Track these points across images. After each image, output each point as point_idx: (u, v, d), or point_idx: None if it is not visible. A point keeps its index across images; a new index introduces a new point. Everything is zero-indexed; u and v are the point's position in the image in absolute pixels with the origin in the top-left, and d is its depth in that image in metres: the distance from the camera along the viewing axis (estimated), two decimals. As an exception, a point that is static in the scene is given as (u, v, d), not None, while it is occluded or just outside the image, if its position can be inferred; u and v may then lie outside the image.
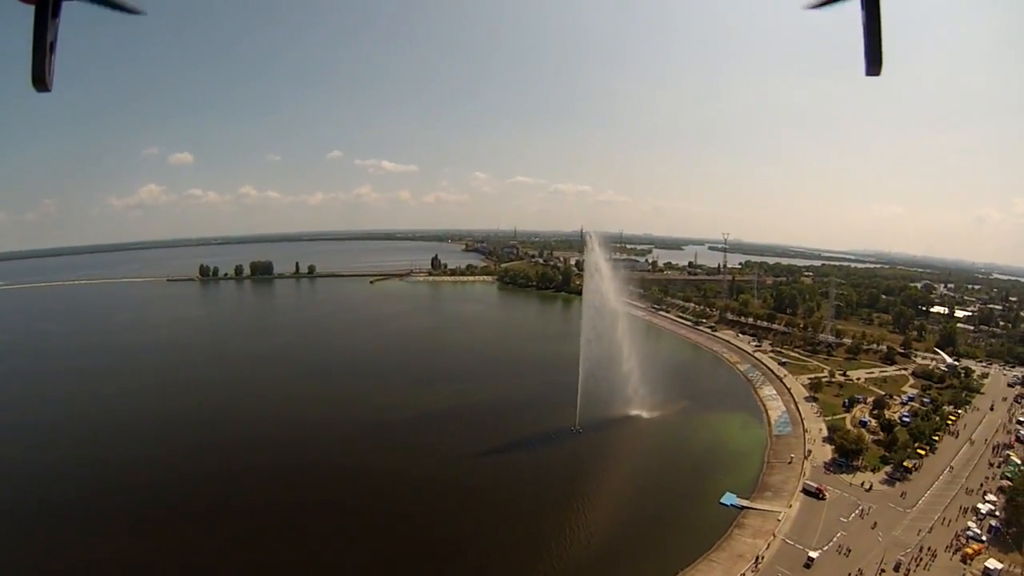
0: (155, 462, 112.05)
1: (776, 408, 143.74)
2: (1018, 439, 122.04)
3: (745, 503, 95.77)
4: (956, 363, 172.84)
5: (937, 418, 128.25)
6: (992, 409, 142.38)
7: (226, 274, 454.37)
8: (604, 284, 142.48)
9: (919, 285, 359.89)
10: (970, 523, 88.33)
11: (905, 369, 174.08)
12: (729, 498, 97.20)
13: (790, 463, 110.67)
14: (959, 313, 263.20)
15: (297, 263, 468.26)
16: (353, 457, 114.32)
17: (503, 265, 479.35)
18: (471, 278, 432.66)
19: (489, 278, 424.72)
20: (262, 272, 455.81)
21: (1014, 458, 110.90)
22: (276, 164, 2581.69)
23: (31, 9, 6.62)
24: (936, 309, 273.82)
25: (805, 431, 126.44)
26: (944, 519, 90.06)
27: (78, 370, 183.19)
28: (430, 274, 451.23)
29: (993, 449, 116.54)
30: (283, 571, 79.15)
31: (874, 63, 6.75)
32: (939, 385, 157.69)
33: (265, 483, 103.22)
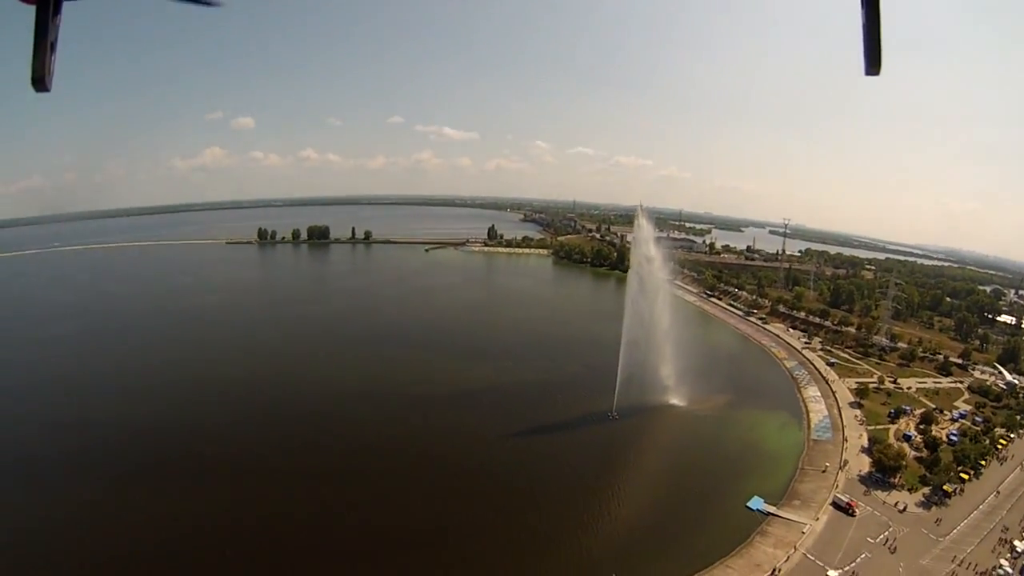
0: (195, 428, 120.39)
1: (818, 411, 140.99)
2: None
3: (772, 510, 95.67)
4: (1016, 381, 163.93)
5: (987, 441, 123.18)
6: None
7: (283, 238, 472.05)
8: (652, 268, 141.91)
9: (988, 289, 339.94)
10: (1003, 560, 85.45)
11: (961, 382, 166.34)
12: (756, 502, 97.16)
13: (824, 472, 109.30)
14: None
15: (353, 228, 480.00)
16: (385, 430, 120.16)
17: (559, 239, 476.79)
18: (526, 250, 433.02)
19: (544, 251, 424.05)
20: (318, 237, 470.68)
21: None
22: (337, 128, 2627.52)
23: (31, 9, 6.69)
24: (1003, 318, 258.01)
25: (845, 439, 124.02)
26: (977, 553, 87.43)
27: (137, 331, 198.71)
28: (486, 244, 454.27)
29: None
30: (287, 530, 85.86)
31: (873, 63, 6.86)
32: (995, 404, 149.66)
33: (298, 451, 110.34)
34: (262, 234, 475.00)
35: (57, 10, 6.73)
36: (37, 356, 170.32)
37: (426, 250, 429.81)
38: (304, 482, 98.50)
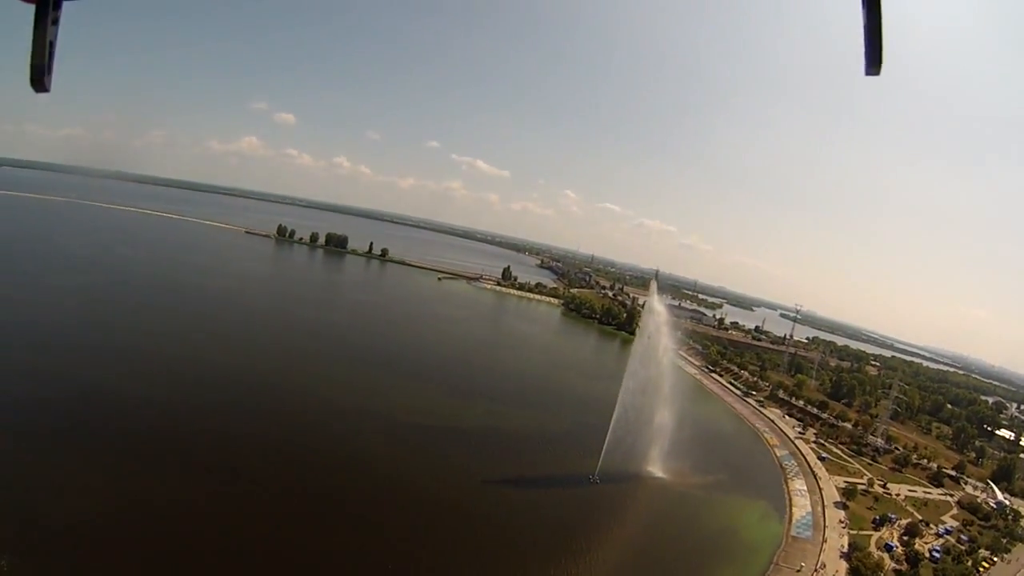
0: (159, 405, 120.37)
1: (802, 507, 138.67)
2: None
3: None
4: (1007, 502, 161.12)
5: (970, 562, 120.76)
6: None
7: (301, 239, 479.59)
8: (661, 337, 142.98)
9: (990, 401, 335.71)
10: None
11: (951, 495, 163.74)
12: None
13: (798, 572, 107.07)
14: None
15: (371, 243, 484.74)
16: (361, 453, 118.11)
17: (572, 290, 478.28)
18: (537, 296, 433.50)
19: (555, 300, 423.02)
20: (336, 244, 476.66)
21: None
22: (374, 142, 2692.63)
23: (31, 8, 6.59)
24: (1003, 432, 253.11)
25: (824, 540, 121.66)
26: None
27: (140, 304, 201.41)
28: (498, 284, 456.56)
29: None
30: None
31: (874, 63, 6.87)
32: (983, 523, 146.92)
33: (268, 455, 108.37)
34: (281, 231, 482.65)
35: (57, 10, 6.65)
36: (30, 299, 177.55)
37: (439, 279, 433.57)
38: (265, 488, 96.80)
